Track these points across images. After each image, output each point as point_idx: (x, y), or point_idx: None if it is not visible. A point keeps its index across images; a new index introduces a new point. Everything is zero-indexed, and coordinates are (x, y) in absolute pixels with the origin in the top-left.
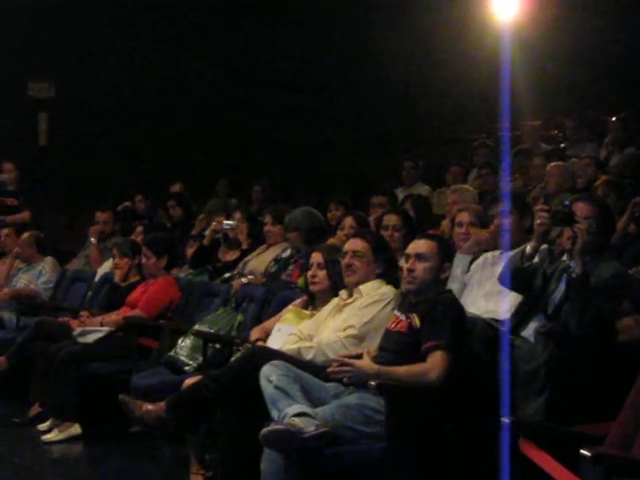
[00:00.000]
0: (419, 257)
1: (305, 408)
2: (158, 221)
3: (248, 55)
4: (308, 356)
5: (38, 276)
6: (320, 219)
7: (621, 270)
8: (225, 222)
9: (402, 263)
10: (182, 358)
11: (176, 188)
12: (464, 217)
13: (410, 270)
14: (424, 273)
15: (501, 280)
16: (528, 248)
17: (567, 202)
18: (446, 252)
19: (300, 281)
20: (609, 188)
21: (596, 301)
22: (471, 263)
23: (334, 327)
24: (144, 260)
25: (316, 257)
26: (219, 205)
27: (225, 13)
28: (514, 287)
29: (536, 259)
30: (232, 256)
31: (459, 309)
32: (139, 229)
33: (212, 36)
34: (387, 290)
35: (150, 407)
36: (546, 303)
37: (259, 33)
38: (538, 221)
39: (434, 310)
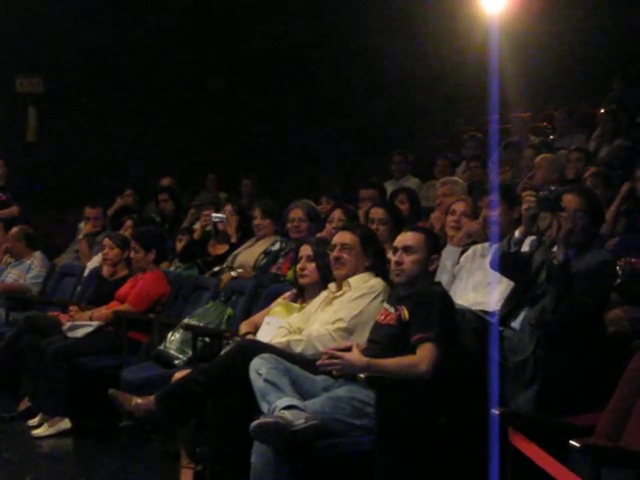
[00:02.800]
0: (406, 250)
1: (295, 401)
2: (147, 215)
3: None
4: (297, 349)
5: (27, 271)
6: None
7: (607, 258)
8: (214, 215)
9: (390, 256)
10: (172, 352)
11: (166, 182)
12: (459, 206)
13: (398, 263)
14: (412, 265)
15: (491, 264)
16: (517, 233)
17: (553, 188)
18: (433, 244)
19: (289, 274)
20: (598, 179)
21: (575, 288)
22: (461, 255)
23: (323, 320)
24: (133, 254)
25: (305, 250)
26: (209, 199)
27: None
28: (502, 271)
29: (526, 249)
30: (221, 250)
31: (448, 301)
32: (128, 223)
33: (202, 33)
34: (376, 283)
35: (140, 401)
36: (535, 294)
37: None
38: (525, 205)
39: (423, 302)
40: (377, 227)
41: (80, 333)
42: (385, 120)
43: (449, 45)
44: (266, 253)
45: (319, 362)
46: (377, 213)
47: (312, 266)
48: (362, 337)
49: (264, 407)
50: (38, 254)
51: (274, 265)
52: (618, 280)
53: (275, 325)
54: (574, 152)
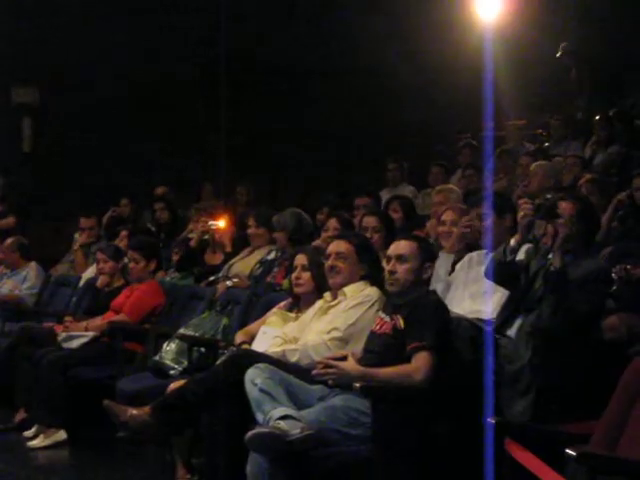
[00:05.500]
0: (400, 258)
1: (290, 411)
2: (143, 225)
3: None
4: (293, 358)
5: (22, 281)
6: (308, 222)
7: (602, 266)
8: (211, 222)
9: (384, 264)
10: (167, 362)
11: (161, 191)
12: (448, 215)
13: (392, 272)
14: (405, 274)
15: (486, 273)
16: (512, 241)
17: (549, 196)
18: (427, 252)
19: (285, 283)
20: (593, 186)
21: (571, 295)
22: (454, 264)
23: (319, 329)
24: (132, 264)
25: (300, 259)
26: (207, 208)
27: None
28: (497, 280)
29: (522, 256)
30: (217, 259)
31: (443, 309)
32: (123, 233)
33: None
34: (371, 292)
35: (135, 412)
36: (531, 302)
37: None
38: (521, 213)
39: (418, 311)
40: (371, 235)
41: (75, 344)
42: (380, 127)
43: (444, 52)
44: (261, 262)
45: (314, 372)
46: (370, 221)
47: (307, 275)
48: (358, 346)
49: (259, 417)
50: (33, 265)
51: (269, 274)
52: (614, 287)
53: (271, 335)
54: (570, 159)
